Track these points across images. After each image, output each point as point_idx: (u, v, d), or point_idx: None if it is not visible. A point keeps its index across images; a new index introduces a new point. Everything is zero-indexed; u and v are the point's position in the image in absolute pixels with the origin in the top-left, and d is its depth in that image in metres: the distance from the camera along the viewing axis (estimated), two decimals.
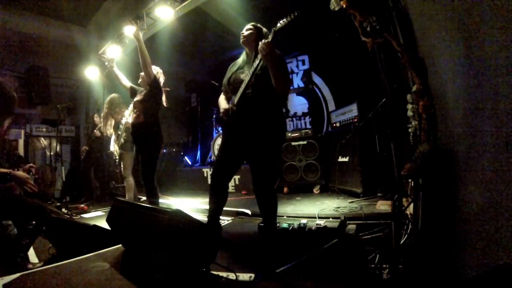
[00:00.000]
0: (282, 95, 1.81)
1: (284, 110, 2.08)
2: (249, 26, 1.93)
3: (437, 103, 1.76)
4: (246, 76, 1.80)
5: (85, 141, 5.73)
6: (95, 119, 5.04)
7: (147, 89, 2.79)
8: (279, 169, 4.21)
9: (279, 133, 1.88)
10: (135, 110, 2.81)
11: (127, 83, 3.09)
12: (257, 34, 1.89)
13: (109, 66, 3.06)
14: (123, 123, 3.73)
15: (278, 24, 1.70)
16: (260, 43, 1.68)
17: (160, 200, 3.90)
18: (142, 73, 2.82)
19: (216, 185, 1.97)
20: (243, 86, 1.79)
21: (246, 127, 1.83)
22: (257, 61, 1.74)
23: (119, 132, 3.76)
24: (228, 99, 2.00)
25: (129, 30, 4.14)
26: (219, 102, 2.04)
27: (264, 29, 1.94)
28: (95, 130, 4.88)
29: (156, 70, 2.91)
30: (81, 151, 5.22)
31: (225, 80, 2.01)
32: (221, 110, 1.91)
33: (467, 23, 1.18)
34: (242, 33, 1.92)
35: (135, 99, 2.86)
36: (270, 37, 1.71)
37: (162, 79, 2.97)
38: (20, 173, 1.86)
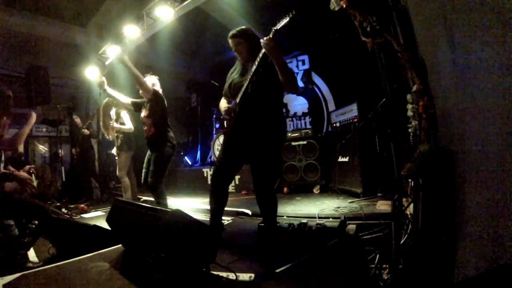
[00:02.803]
0: (289, 91, 1.81)
1: (284, 110, 2.11)
2: (238, 40, 1.90)
3: (437, 103, 1.76)
4: (245, 80, 1.84)
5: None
6: (75, 120, 5.08)
7: (150, 102, 2.81)
8: (280, 169, 4.22)
9: (280, 134, 1.91)
10: (144, 126, 2.85)
11: (126, 100, 3.06)
12: (249, 42, 1.89)
13: (102, 90, 2.98)
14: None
15: (278, 23, 1.72)
16: (261, 40, 1.69)
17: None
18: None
19: (217, 187, 1.96)
20: (243, 88, 1.82)
21: (248, 127, 1.85)
22: (255, 66, 1.78)
23: (116, 134, 3.79)
24: (228, 103, 2.02)
25: (130, 30, 4.15)
26: (220, 105, 2.05)
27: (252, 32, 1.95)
28: (83, 129, 4.90)
29: (152, 81, 2.90)
30: (72, 153, 5.24)
31: (226, 85, 2.04)
32: (223, 109, 1.91)
33: (467, 23, 1.18)
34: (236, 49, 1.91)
35: (142, 114, 2.86)
36: (271, 34, 1.72)
37: (159, 87, 2.96)
38: (22, 173, 1.87)
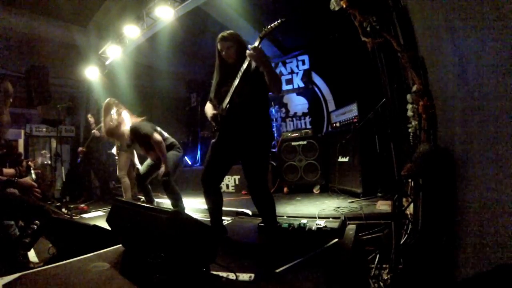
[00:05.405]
0: (276, 93, 1.89)
1: (279, 112, 2.13)
2: (229, 43, 1.92)
3: (437, 103, 1.76)
4: (231, 87, 1.88)
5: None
6: (89, 119, 5.05)
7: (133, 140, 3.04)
8: (281, 169, 4.22)
9: (267, 134, 1.97)
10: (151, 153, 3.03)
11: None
12: (238, 46, 1.94)
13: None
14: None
15: (264, 31, 1.79)
16: (249, 47, 1.77)
17: (161, 200, 3.91)
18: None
19: (207, 187, 2.02)
20: (230, 92, 1.86)
21: (236, 130, 1.91)
22: (242, 70, 1.83)
23: None
24: (214, 107, 2.05)
25: (130, 30, 4.15)
26: (206, 110, 2.08)
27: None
28: (94, 131, 4.88)
29: (125, 124, 3.10)
30: (77, 152, 5.21)
31: (212, 93, 2.07)
32: (210, 115, 1.96)
33: (468, 23, 1.18)
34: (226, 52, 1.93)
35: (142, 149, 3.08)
36: (257, 42, 1.79)
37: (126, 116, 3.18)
38: (26, 180, 1.90)
